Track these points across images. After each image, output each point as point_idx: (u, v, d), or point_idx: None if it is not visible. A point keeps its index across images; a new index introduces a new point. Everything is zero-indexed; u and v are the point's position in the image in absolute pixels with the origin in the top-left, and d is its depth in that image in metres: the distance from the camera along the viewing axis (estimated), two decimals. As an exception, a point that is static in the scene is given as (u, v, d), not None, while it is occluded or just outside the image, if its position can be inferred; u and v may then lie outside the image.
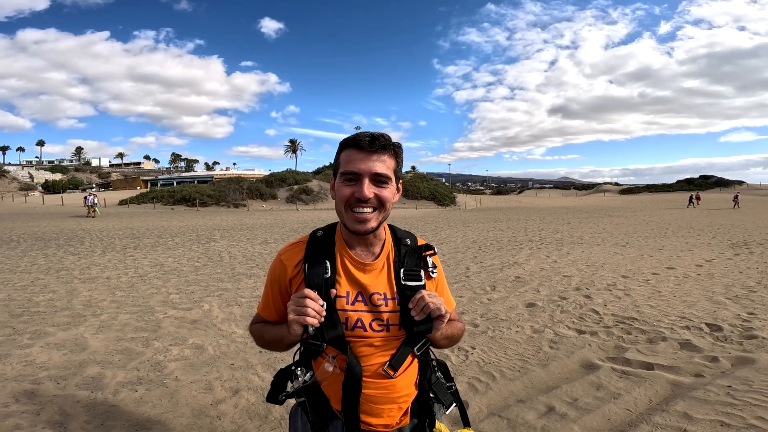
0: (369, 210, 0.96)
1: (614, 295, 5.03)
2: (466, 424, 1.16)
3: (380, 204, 0.97)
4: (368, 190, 0.94)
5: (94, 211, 22.07)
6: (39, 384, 2.74)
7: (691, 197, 33.42)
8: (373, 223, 0.97)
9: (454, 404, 1.12)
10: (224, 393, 2.67)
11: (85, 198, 22.86)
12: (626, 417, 2.32)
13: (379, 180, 0.96)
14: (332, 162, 1.05)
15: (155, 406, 2.50)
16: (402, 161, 1.02)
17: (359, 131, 1.00)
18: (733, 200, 30.28)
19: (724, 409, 2.35)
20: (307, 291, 0.92)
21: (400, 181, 1.04)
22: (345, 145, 0.98)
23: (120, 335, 3.69)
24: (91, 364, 3.08)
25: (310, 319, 0.90)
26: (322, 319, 0.93)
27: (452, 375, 1.18)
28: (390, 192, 0.98)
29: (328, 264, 1.00)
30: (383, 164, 0.96)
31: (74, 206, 30.51)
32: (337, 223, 1.07)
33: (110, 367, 3.02)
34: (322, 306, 0.93)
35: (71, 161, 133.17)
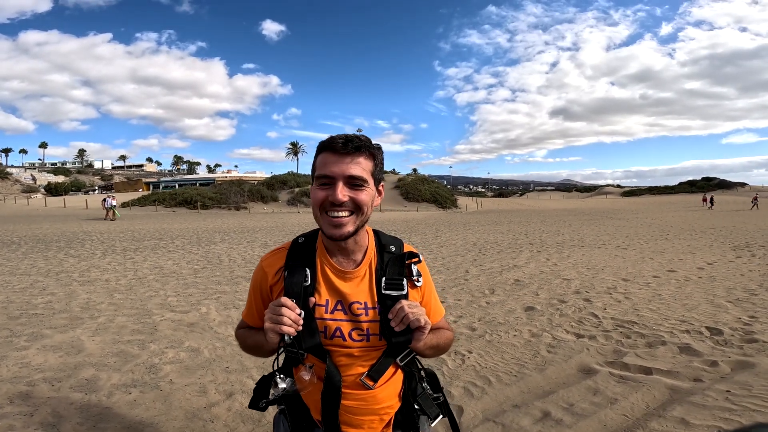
0: (345, 214, 0.92)
1: (614, 298, 5.00)
2: None
3: (357, 207, 0.93)
4: (342, 193, 0.91)
5: (113, 213, 22.17)
6: (34, 386, 2.74)
7: (711, 198, 34.09)
8: (349, 228, 0.93)
9: (441, 415, 1.09)
10: (218, 396, 2.65)
11: (104, 200, 23.05)
12: (622, 423, 2.29)
13: (353, 183, 0.92)
14: None
15: (148, 408, 2.49)
16: (381, 162, 0.99)
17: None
18: (753, 201, 30.58)
19: (722, 414, 2.32)
20: (284, 299, 0.90)
21: (381, 183, 1.02)
22: (320, 148, 0.96)
23: (116, 338, 3.69)
24: (86, 366, 3.07)
25: (285, 328, 0.88)
26: (300, 328, 0.91)
27: (444, 383, 1.15)
28: (367, 195, 0.94)
29: (308, 271, 0.98)
30: (358, 166, 0.93)
31: (86, 208, 30.61)
32: (319, 229, 1.05)
33: (105, 370, 3.01)
34: (300, 314, 0.91)
35: (74, 163, 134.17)
